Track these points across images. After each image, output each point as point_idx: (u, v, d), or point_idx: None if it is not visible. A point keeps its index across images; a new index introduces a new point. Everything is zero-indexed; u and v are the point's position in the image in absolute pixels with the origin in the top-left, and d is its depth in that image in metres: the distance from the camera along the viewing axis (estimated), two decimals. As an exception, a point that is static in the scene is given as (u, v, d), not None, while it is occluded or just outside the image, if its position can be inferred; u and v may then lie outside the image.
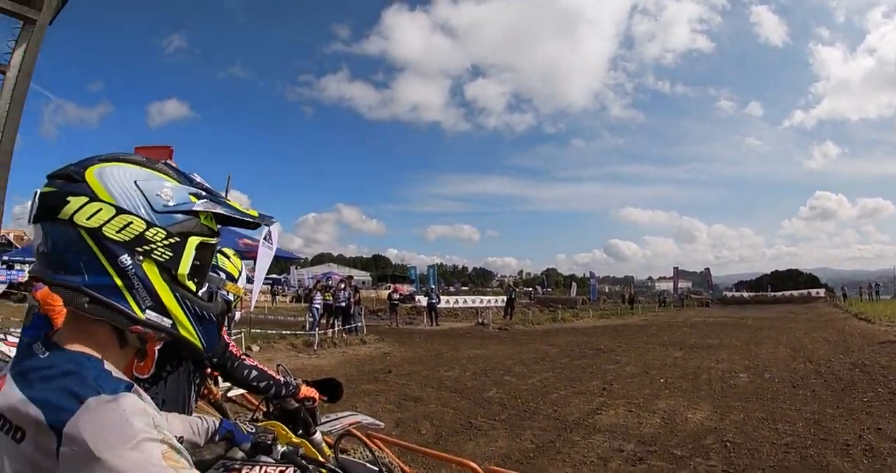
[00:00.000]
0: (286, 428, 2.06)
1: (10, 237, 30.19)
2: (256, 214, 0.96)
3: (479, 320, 23.11)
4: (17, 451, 0.73)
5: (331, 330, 15.70)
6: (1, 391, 0.79)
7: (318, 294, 17.24)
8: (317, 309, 16.74)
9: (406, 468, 3.15)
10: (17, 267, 26.14)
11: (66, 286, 0.80)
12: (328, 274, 38.46)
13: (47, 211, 0.82)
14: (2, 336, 6.17)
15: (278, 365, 2.62)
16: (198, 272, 0.90)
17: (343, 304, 16.74)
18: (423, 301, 25.33)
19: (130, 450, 0.69)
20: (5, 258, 22.80)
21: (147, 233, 0.83)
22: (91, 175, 0.83)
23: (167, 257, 0.84)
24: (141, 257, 0.83)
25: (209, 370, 2.49)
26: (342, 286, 17.52)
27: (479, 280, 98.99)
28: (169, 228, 0.85)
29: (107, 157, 0.87)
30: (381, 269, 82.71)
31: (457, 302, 32.40)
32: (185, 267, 0.86)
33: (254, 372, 2.39)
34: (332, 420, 2.83)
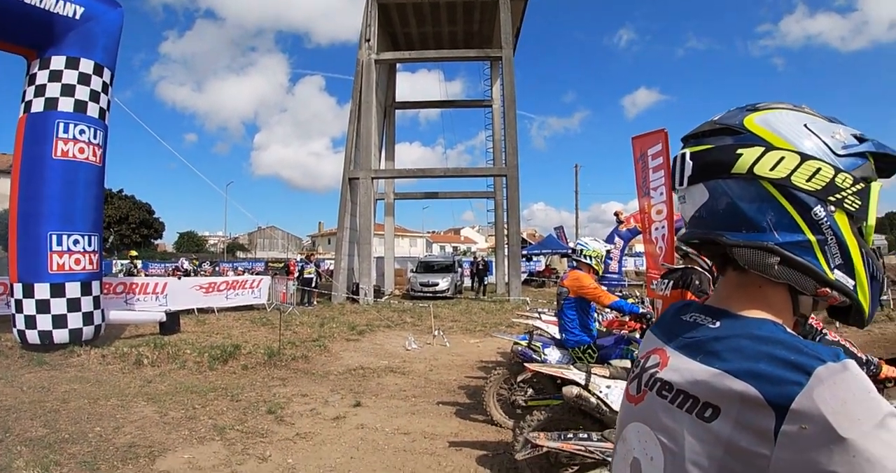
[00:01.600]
0: None
1: (524, 235, 37.77)
2: None
3: None
4: (706, 430, 0.67)
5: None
6: (668, 365, 0.77)
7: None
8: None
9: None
10: (535, 258, 33.19)
11: (756, 246, 0.73)
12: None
13: (709, 169, 0.77)
14: (537, 315, 7.49)
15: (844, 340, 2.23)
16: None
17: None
18: None
19: (877, 428, 0.58)
20: (524, 252, 28.40)
21: (836, 179, 0.72)
22: (753, 124, 0.76)
23: (857, 206, 0.73)
24: (833, 207, 0.73)
25: None
26: None
27: None
28: (853, 173, 0.73)
29: (756, 107, 0.79)
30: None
31: None
32: (873, 217, 0.75)
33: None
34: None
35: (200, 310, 13.48)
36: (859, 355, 2.21)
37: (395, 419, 5.53)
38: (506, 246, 20.74)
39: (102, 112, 8.81)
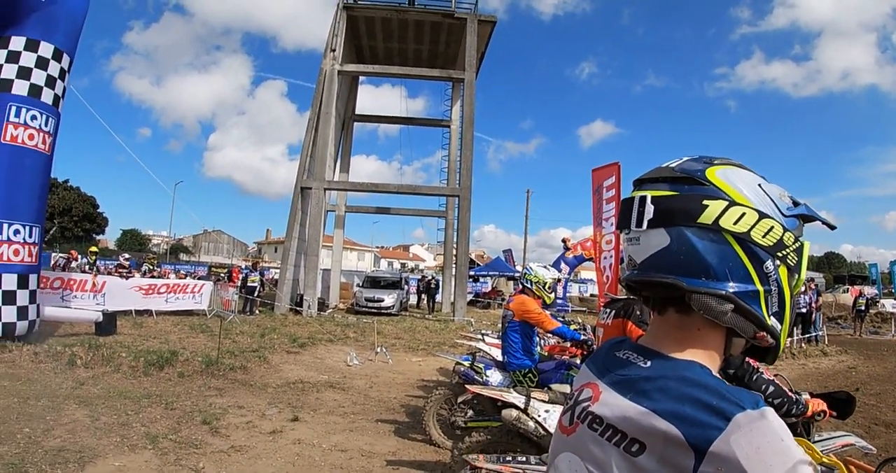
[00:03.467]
0: (811, 446, 1.96)
1: (473, 256, 38.10)
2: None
3: None
4: (632, 464, 0.71)
5: (790, 339, 13.85)
6: (599, 400, 0.81)
7: None
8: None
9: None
10: (482, 279, 33.48)
11: (714, 294, 0.77)
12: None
13: (673, 215, 0.80)
14: (480, 337, 7.54)
15: (776, 375, 2.33)
16: None
17: (803, 310, 14.51)
18: (888, 306, 22.09)
19: None
20: (472, 273, 28.62)
21: (784, 237, 0.80)
22: (716, 177, 0.81)
23: (795, 261, 0.81)
24: (779, 262, 0.80)
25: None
26: (806, 289, 15.27)
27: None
28: (794, 232, 0.82)
29: (712, 161, 0.84)
30: (835, 269, 69.34)
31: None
32: (804, 271, 0.83)
33: (771, 387, 2.23)
34: (825, 440, 2.60)
35: (138, 312, 12.94)
36: (789, 394, 2.27)
37: (333, 435, 5.44)
38: (454, 265, 20.85)
39: (57, 99, 8.44)
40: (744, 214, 0.78)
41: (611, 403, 0.78)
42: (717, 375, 0.77)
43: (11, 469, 3.87)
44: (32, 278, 8.33)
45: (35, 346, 7.76)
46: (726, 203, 0.78)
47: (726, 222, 0.77)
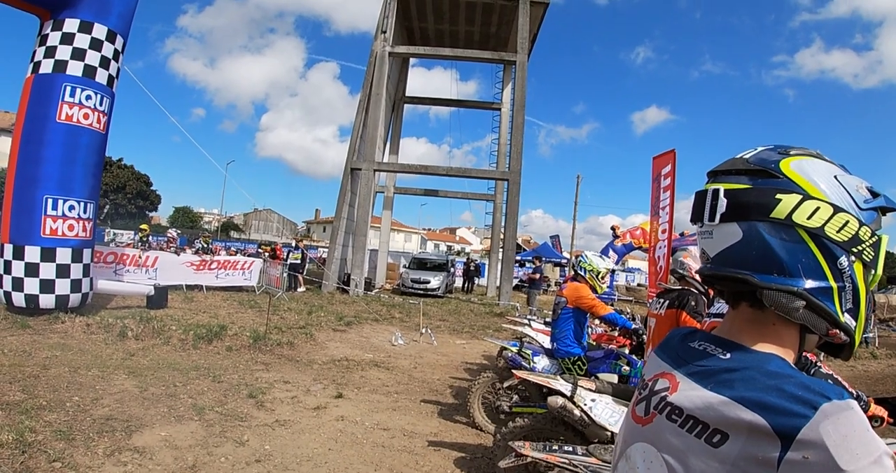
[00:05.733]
0: None
1: (519, 241, 37.77)
2: None
3: None
4: (713, 455, 0.71)
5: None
6: (678, 390, 0.80)
7: None
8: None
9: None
10: (528, 264, 33.21)
11: (786, 290, 0.77)
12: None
13: (746, 209, 0.79)
14: (527, 321, 7.47)
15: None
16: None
17: None
18: None
19: (873, 465, 0.64)
20: (518, 257, 28.41)
21: (860, 232, 0.78)
22: (790, 169, 0.79)
23: (871, 257, 0.79)
24: (853, 258, 0.78)
25: None
26: None
27: None
28: (871, 226, 0.79)
29: (787, 151, 0.82)
30: (888, 269, 65.42)
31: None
32: (880, 267, 0.80)
33: (830, 381, 2.05)
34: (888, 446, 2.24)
35: (189, 287, 13.41)
36: (850, 390, 2.20)
37: (376, 413, 5.51)
38: (500, 249, 20.74)
39: (111, 79, 8.73)
40: (818, 208, 0.77)
41: (691, 394, 0.78)
42: (797, 369, 0.76)
43: (60, 436, 4.03)
44: (87, 252, 8.70)
45: (87, 318, 8.10)
46: (800, 196, 0.77)
47: (800, 217, 0.76)
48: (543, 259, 30.65)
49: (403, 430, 5.08)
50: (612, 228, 23.33)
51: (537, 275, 18.41)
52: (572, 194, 35.41)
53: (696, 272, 3.42)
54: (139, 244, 16.03)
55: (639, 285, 31.79)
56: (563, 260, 30.41)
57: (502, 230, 21.12)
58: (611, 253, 22.26)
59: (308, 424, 4.99)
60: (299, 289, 16.57)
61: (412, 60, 27.10)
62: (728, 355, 0.79)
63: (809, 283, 0.77)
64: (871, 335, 13.84)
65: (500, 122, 25.07)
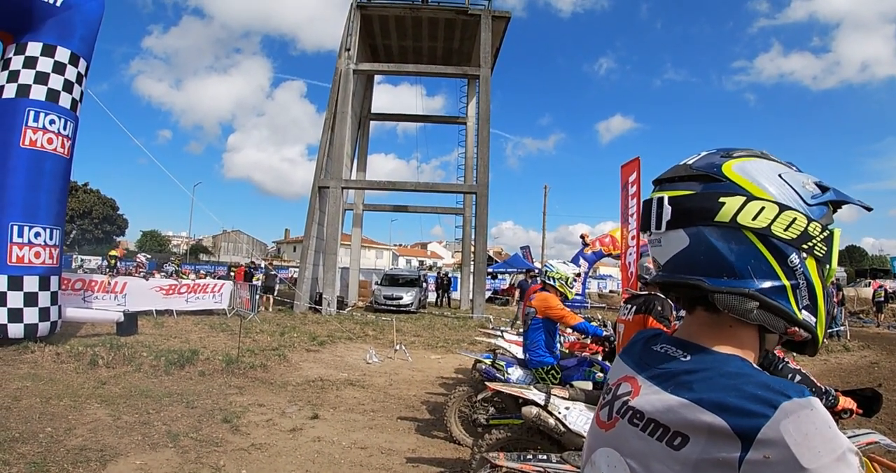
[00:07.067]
0: None
1: (491, 253, 38.00)
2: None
3: None
4: (674, 458, 0.70)
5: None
6: (639, 394, 0.80)
7: None
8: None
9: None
10: (500, 276, 33.41)
11: (738, 292, 0.76)
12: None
13: (690, 215, 0.79)
14: (499, 333, 7.51)
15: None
16: None
17: None
18: None
19: (836, 462, 0.62)
20: (490, 270, 28.53)
21: (809, 227, 0.77)
22: (732, 172, 0.79)
23: (823, 252, 0.79)
24: (805, 255, 0.78)
25: None
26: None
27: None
28: (821, 221, 0.79)
29: (730, 153, 0.82)
30: (856, 263, 67.91)
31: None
32: (835, 260, 0.80)
33: (798, 377, 2.19)
34: (849, 437, 2.34)
35: (159, 312, 13.12)
36: (819, 385, 2.25)
37: (353, 433, 5.45)
38: (472, 262, 20.82)
39: (74, 103, 8.58)
40: (763, 209, 0.76)
41: (651, 397, 0.77)
42: (758, 368, 0.76)
43: (34, 468, 3.92)
44: (54, 280, 8.47)
45: (57, 347, 7.89)
46: (744, 198, 0.77)
47: (745, 219, 0.76)
48: (523, 270, 30.85)
49: (381, 448, 5.03)
50: (582, 237, 23.72)
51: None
52: (541, 205, 35.90)
53: (649, 280, 3.52)
54: (107, 270, 15.61)
55: (611, 291, 32.27)
56: (535, 271, 30.66)
57: (473, 243, 21.21)
58: (581, 261, 22.60)
59: (284, 446, 4.91)
60: (260, 310, 16.26)
61: (378, 77, 27.21)
62: (688, 357, 0.79)
63: (761, 284, 0.77)
64: (842, 328, 14.34)
65: (467, 136, 25.27)
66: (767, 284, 0.77)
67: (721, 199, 0.77)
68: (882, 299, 19.85)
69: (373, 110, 26.40)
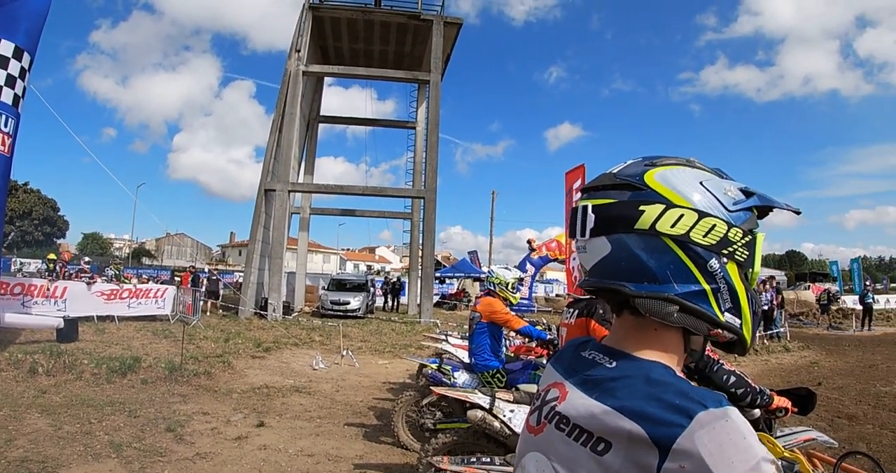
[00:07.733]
0: (774, 441, 1.99)
1: (439, 258, 38.11)
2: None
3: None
4: (598, 463, 0.72)
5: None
6: (566, 400, 0.81)
7: None
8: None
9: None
10: (448, 281, 33.53)
11: (657, 297, 0.79)
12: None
13: (612, 223, 0.81)
14: (444, 338, 7.57)
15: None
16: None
17: (765, 307, 14.82)
18: (849, 302, 23.44)
19: (751, 472, 0.64)
20: (438, 274, 28.62)
21: (729, 233, 0.80)
22: (653, 180, 0.81)
23: (745, 256, 0.81)
24: (725, 259, 0.80)
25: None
26: (765, 288, 15.74)
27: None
28: (742, 226, 0.81)
29: (654, 162, 0.85)
30: (796, 267, 71.90)
31: (888, 301, 28.05)
32: (758, 264, 0.82)
33: (732, 378, 2.25)
34: (787, 435, 2.62)
35: (101, 318, 12.55)
36: (753, 385, 2.29)
37: (300, 440, 5.38)
38: (420, 267, 20.83)
39: (17, 99, 8.10)
40: (682, 216, 0.78)
41: (577, 403, 0.79)
42: (681, 374, 0.78)
43: (-29, 483, 3.74)
44: (-11, 284, 7.96)
45: (-8, 354, 7.43)
46: (663, 206, 0.79)
47: (663, 226, 0.78)
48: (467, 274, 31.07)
49: (328, 455, 4.99)
50: (529, 242, 24.12)
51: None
52: (489, 210, 36.29)
53: (578, 285, 3.63)
54: (47, 274, 14.78)
55: (557, 295, 32.90)
56: (482, 276, 30.98)
57: (421, 248, 21.25)
58: (528, 265, 22.98)
59: (230, 455, 4.81)
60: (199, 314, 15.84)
61: (329, 79, 26.93)
62: (614, 364, 0.80)
63: (681, 288, 0.78)
64: (782, 329, 14.97)
65: (416, 141, 25.26)
66: (687, 288, 0.79)
67: (641, 207, 0.79)
68: (826, 302, 20.85)
69: (322, 112, 26.10)
